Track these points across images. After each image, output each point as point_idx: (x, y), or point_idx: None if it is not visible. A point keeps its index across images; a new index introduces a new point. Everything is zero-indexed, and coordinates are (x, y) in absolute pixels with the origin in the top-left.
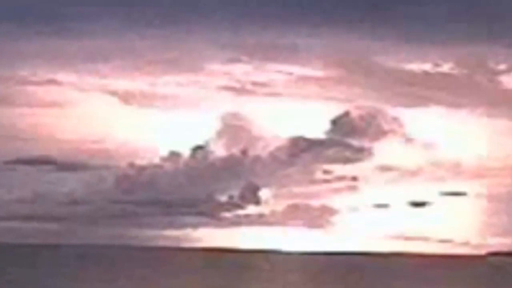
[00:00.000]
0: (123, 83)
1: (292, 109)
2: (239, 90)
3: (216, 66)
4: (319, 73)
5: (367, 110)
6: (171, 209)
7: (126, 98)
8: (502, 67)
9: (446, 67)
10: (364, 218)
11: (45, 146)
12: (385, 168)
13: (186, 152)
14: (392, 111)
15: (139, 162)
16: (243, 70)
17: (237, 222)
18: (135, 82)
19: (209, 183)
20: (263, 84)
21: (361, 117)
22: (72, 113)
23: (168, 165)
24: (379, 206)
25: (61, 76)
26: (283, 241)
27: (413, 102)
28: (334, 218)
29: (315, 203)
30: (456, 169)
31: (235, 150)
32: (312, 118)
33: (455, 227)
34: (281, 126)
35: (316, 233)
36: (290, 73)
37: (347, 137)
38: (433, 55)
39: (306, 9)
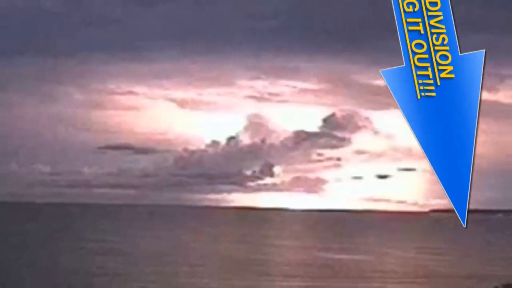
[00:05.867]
0: (179, 93)
1: (296, 111)
2: (259, 98)
3: (243, 82)
4: (314, 86)
5: (347, 112)
6: (213, 180)
7: (182, 104)
8: None
9: None
10: (345, 186)
11: (126, 137)
12: (359, 152)
13: (223, 141)
14: (365, 112)
15: (191, 147)
16: (262, 85)
17: (258, 189)
18: (188, 92)
19: (239, 162)
20: (276, 94)
21: (343, 117)
22: (144, 114)
23: (210, 150)
24: (356, 178)
25: (137, 88)
26: (290, 202)
27: (379, 106)
28: (325, 186)
29: (311, 176)
30: (408, 153)
31: (257, 140)
32: (310, 117)
33: (408, 192)
34: (288, 123)
35: (312, 196)
36: (294, 87)
37: (334, 131)
38: None
39: (305, 42)
